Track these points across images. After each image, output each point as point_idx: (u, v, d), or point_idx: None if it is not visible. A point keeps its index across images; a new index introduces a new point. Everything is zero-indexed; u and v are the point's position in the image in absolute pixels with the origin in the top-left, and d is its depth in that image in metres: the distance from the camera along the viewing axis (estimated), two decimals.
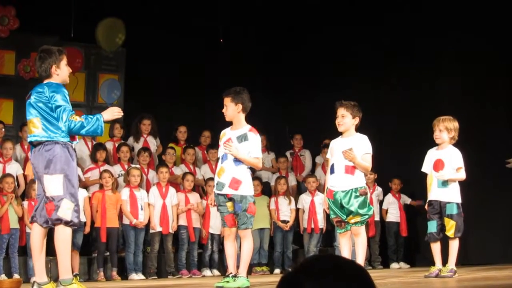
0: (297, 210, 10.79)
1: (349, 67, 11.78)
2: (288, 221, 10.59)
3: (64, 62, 6.21)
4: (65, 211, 5.98)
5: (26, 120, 6.17)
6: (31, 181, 9.43)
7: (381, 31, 11.30)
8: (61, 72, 6.18)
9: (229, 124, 6.96)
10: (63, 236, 6.05)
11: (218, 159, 7.08)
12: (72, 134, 6.05)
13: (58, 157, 5.98)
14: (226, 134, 6.92)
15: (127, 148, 10.50)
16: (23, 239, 9.39)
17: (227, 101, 6.85)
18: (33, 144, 6.09)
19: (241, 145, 6.75)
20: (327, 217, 9.60)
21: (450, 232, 7.61)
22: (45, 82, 6.14)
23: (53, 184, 5.98)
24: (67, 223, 6.02)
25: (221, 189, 6.76)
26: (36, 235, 6.14)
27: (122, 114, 6.35)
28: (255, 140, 6.79)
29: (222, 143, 6.85)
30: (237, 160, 6.72)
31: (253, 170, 10.47)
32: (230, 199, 6.74)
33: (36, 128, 6.03)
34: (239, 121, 6.86)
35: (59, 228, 6.03)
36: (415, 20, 10.90)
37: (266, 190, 11.20)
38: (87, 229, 9.49)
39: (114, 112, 6.25)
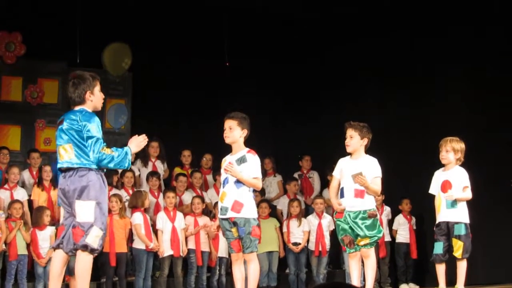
0: None
1: (356, 87, 11.76)
2: (299, 243, 10.50)
3: (98, 88, 6.20)
4: (93, 238, 5.97)
5: (57, 145, 6.13)
6: (41, 208, 9.43)
7: (388, 50, 11.29)
8: (95, 98, 6.17)
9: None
10: (85, 263, 6.04)
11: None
12: (100, 167, 6.05)
13: (92, 184, 5.97)
14: (226, 160, 6.93)
15: (131, 173, 10.49)
16: (31, 265, 9.37)
17: (234, 124, 6.85)
18: (62, 170, 6.07)
19: (240, 167, 6.76)
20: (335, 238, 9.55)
21: (458, 253, 7.54)
22: (77, 108, 6.11)
23: (84, 211, 5.96)
24: (92, 251, 6.01)
25: (225, 214, 6.76)
26: (58, 261, 6.12)
27: (147, 140, 6.36)
28: (254, 161, 6.80)
29: (223, 168, 6.87)
30: (238, 183, 6.73)
31: (261, 192, 10.55)
32: (234, 223, 6.73)
33: (69, 155, 6.01)
34: (239, 146, 6.88)
35: (82, 254, 6.01)
36: (420, 39, 10.91)
37: (274, 212, 11.13)
38: None
39: (140, 143, 6.27)
